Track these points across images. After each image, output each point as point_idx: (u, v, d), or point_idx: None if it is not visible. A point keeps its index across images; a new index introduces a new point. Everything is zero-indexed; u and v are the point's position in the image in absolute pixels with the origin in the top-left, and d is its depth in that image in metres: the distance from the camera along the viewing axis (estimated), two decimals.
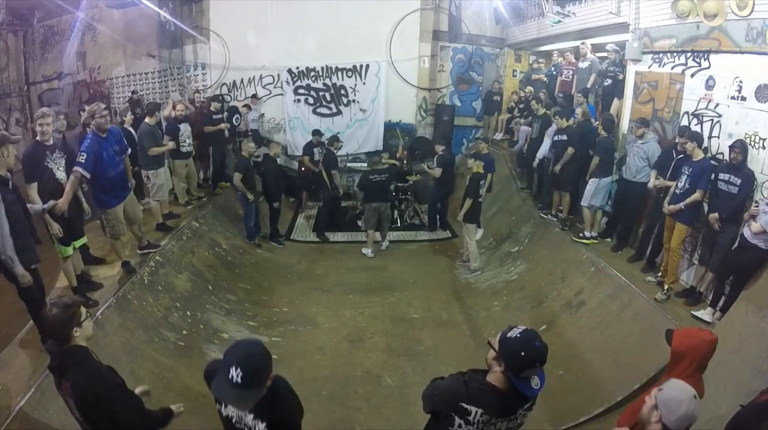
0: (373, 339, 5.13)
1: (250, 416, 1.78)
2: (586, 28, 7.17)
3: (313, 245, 7.87)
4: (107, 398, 2.05)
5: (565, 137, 6.22)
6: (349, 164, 9.86)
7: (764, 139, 4.21)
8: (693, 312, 4.29)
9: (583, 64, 7.60)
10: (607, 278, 5.16)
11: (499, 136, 10.16)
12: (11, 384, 3.16)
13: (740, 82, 4.44)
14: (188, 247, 6.03)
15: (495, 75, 10.70)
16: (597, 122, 6.25)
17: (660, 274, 4.95)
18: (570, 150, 6.09)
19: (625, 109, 6.22)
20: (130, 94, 9.41)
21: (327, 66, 10.07)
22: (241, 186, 6.83)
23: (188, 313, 5.04)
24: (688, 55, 5.07)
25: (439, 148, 7.87)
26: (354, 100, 10.28)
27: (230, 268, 6.40)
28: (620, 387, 3.74)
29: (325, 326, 5.38)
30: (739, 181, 4.16)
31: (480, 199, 6.56)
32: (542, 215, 6.98)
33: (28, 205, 3.59)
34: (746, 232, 3.88)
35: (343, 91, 10.25)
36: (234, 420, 1.84)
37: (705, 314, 4.23)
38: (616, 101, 6.57)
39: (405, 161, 9.27)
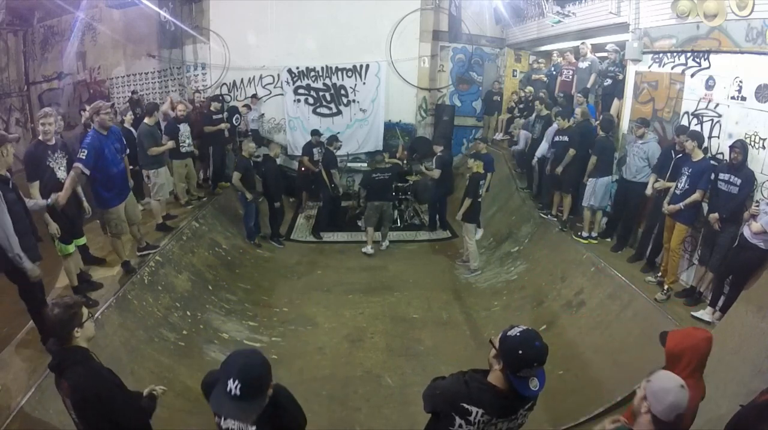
0: (373, 339, 5.13)
1: (252, 428, 1.71)
2: (586, 28, 7.17)
3: (313, 245, 7.87)
4: (107, 398, 2.05)
5: (566, 138, 6.21)
6: (349, 164, 9.86)
7: (764, 139, 4.21)
8: (693, 313, 4.28)
9: (583, 64, 7.59)
10: (607, 278, 5.16)
11: (499, 136, 10.16)
12: (11, 384, 3.16)
13: (740, 82, 4.44)
14: (188, 247, 6.04)
15: (495, 75, 10.70)
16: (597, 122, 6.26)
17: (660, 274, 4.95)
18: (571, 152, 6.09)
19: (625, 109, 6.22)
20: (130, 94, 9.40)
21: (327, 66, 10.07)
22: (240, 186, 6.83)
23: (188, 313, 5.04)
24: (688, 55, 5.07)
25: (438, 149, 7.87)
26: (354, 100, 10.27)
27: (230, 268, 6.40)
28: (620, 387, 3.74)
29: (325, 326, 5.38)
30: (739, 181, 4.15)
31: (479, 199, 6.57)
32: (542, 215, 6.98)
33: (33, 201, 3.60)
34: (746, 232, 3.88)
35: (343, 91, 10.24)
36: None
37: (704, 313, 4.23)
38: (616, 101, 6.57)
39: (405, 161, 9.27)
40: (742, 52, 4.42)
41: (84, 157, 4.12)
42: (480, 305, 5.91)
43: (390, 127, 10.40)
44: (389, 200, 7.58)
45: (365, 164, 9.64)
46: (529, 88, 9.20)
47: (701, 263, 4.67)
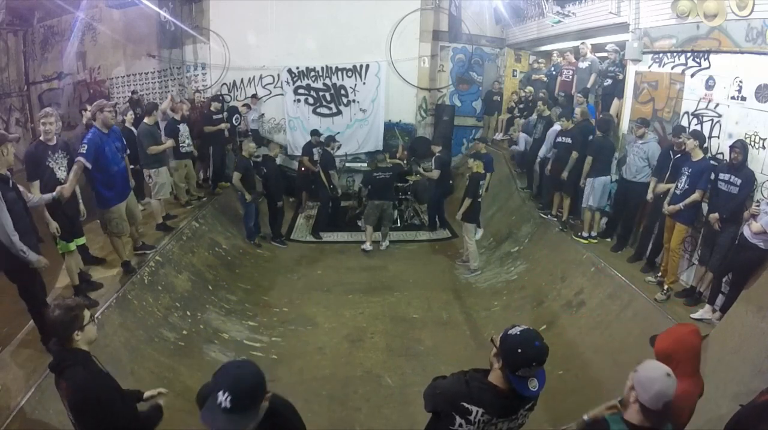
0: (373, 339, 5.13)
1: None
2: (586, 28, 7.17)
3: (313, 245, 7.87)
4: (106, 401, 2.05)
5: (569, 140, 6.19)
6: (348, 164, 9.86)
7: (764, 139, 4.21)
8: (692, 315, 4.28)
9: (583, 64, 7.60)
10: (607, 278, 5.16)
11: (499, 136, 10.15)
12: (11, 384, 3.16)
13: (740, 82, 4.44)
14: (188, 247, 6.04)
15: (495, 75, 10.70)
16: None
17: (660, 274, 4.95)
18: (574, 155, 6.09)
19: (625, 109, 6.22)
20: (130, 94, 9.40)
21: (327, 66, 10.06)
22: (239, 186, 6.83)
23: (188, 313, 5.04)
24: (688, 55, 5.07)
25: (436, 149, 7.87)
26: (354, 100, 10.27)
27: (230, 268, 6.40)
28: (620, 387, 3.71)
29: (325, 326, 5.37)
30: (739, 182, 4.15)
31: (479, 199, 6.57)
32: (542, 215, 6.99)
33: (38, 197, 3.61)
34: (746, 232, 3.88)
35: (343, 91, 10.24)
36: None
37: (704, 313, 4.23)
38: (616, 101, 6.58)
39: (405, 161, 9.27)
40: (742, 52, 4.42)
41: (84, 152, 4.15)
42: (480, 305, 5.91)
43: (390, 128, 10.40)
44: (390, 200, 7.58)
45: (365, 164, 9.64)
46: (529, 88, 9.20)
47: (701, 263, 4.67)
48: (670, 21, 5.25)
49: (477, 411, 1.77)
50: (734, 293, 3.96)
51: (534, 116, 7.88)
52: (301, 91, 10.22)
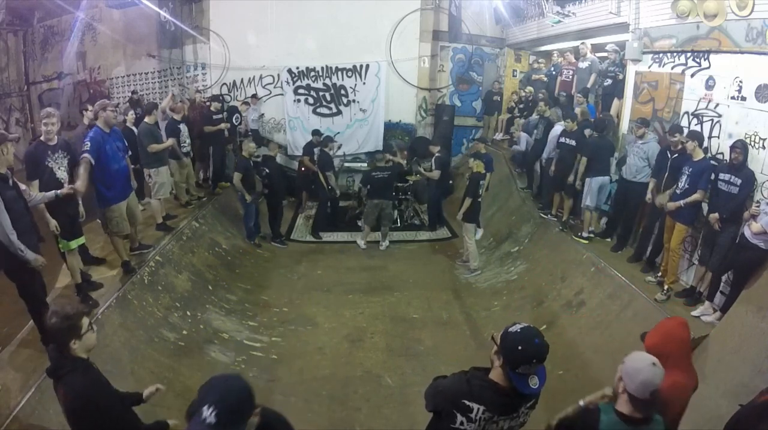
0: (373, 339, 5.13)
1: None
2: (586, 28, 7.18)
3: (313, 244, 7.87)
4: (104, 408, 2.03)
5: (573, 142, 6.17)
6: (348, 164, 9.86)
7: (764, 139, 4.21)
8: (692, 313, 4.29)
9: (583, 64, 7.60)
10: (607, 278, 5.16)
11: (499, 136, 10.16)
12: (11, 384, 3.16)
13: (740, 82, 4.44)
14: (188, 247, 6.04)
15: (495, 75, 10.70)
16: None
17: (660, 274, 4.95)
18: (578, 157, 6.08)
19: (625, 109, 6.22)
20: (130, 94, 9.41)
21: (327, 66, 10.07)
22: (240, 187, 6.83)
23: (188, 313, 5.04)
24: (688, 55, 5.07)
25: (435, 149, 7.88)
26: (354, 100, 10.27)
27: (230, 268, 6.40)
28: None
29: (325, 326, 5.37)
30: (739, 182, 4.15)
31: (479, 199, 6.57)
32: (542, 215, 6.99)
33: (41, 195, 3.61)
34: (747, 232, 3.88)
35: (343, 91, 10.24)
36: None
37: (703, 309, 4.24)
38: (616, 101, 6.58)
39: (405, 161, 9.26)
40: (742, 52, 4.42)
41: (88, 149, 4.27)
42: (480, 305, 5.91)
43: (390, 128, 10.40)
44: (388, 199, 7.60)
45: (365, 164, 9.64)
46: (529, 88, 9.21)
47: (701, 263, 4.67)
48: (670, 21, 5.25)
49: (478, 409, 1.77)
50: (734, 293, 3.96)
51: (534, 116, 7.88)
52: (301, 91, 10.22)
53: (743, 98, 4.41)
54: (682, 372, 2.22)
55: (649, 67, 5.71)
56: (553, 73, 8.78)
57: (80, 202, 4.31)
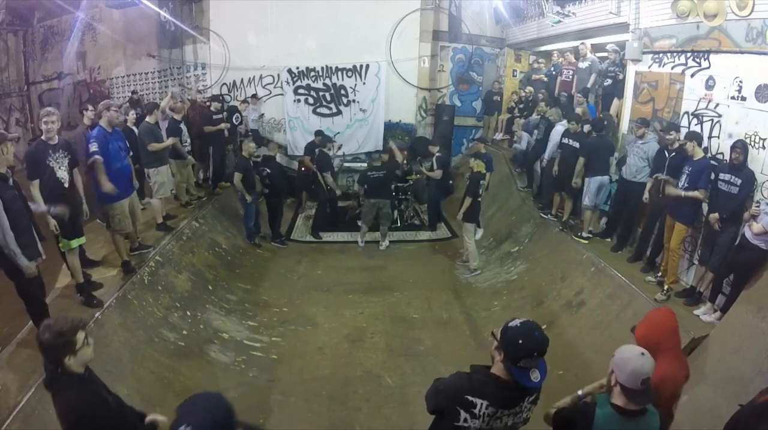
0: (373, 339, 5.13)
1: None
2: (586, 28, 7.18)
3: (313, 244, 7.87)
4: (99, 427, 1.96)
5: (576, 144, 6.14)
6: (347, 164, 9.86)
7: (764, 139, 4.21)
8: (695, 311, 4.30)
9: (583, 64, 7.59)
10: (607, 278, 5.16)
11: (499, 136, 10.16)
12: (11, 384, 3.16)
13: (740, 82, 4.44)
14: (188, 247, 6.04)
15: (495, 75, 10.71)
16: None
17: (660, 274, 4.95)
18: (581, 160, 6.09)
19: (625, 109, 6.22)
20: (130, 94, 9.41)
21: (327, 66, 10.07)
22: (240, 187, 6.83)
23: (188, 313, 5.04)
24: (688, 55, 5.07)
25: (434, 149, 7.88)
26: (354, 100, 10.28)
27: (230, 268, 6.40)
28: None
29: (325, 326, 5.37)
30: (739, 182, 4.15)
31: (479, 199, 6.57)
32: (542, 215, 6.99)
33: (35, 205, 3.60)
34: (747, 233, 3.88)
35: (343, 91, 10.25)
36: None
37: (706, 309, 4.24)
38: (616, 101, 6.58)
39: (405, 161, 9.26)
40: (742, 52, 4.42)
41: (96, 149, 4.37)
42: (480, 305, 5.91)
43: (390, 128, 10.41)
44: (385, 198, 7.60)
45: (365, 164, 9.65)
46: (529, 88, 9.21)
47: (701, 263, 4.68)
48: (670, 21, 5.25)
49: (481, 403, 1.77)
50: (735, 294, 3.96)
51: (535, 116, 7.87)
52: (301, 91, 10.22)
53: (743, 98, 4.41)
54: (672, 360, 2.28)
55: (649, 67, 5.71)
56: (553, 73, 8.78)
57: (84, 201, 4.32)
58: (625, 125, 6.22)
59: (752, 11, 4.23)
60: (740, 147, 4.15)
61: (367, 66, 10.06)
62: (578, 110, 6.50)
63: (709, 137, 4.82)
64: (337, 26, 9.64)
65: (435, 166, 7.73)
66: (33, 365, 3.32)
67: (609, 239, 6.06)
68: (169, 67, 10.18)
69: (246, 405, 3.95)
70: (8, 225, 3.06)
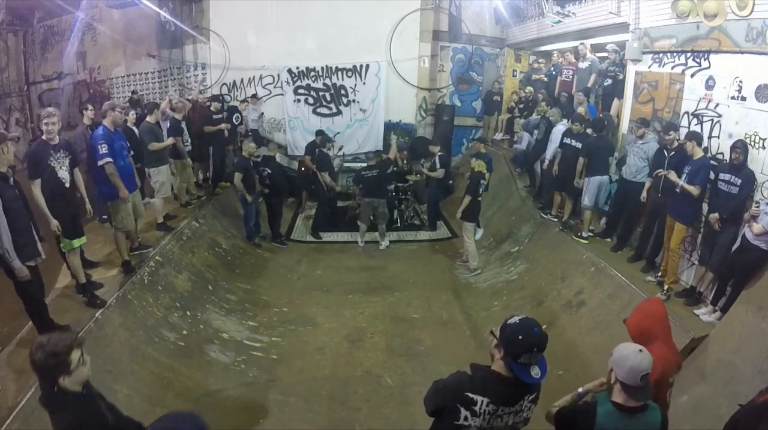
0: (373, 339, 5.13)
1: None
2: (586, 28, 7.18)
3: (313, 244, 7.87)
4: None
5: (579, 144, 6.13)
6: (347, 164, 9.86)
7: (764, 139, 4.21)
8: (696, 311, 4.30)
9: (583, 64, 7.59)
10: (607, 278, 5.16)
11: (499, 136, 10.16)
12: (11, 384, 3.16)
13: (740, 82, 4.43)
14: (188, 247, 6.04)
15: (495, 75, 10.70)
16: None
17: (660, 274, 4.95)
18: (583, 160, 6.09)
19: (625, 109, 6.22)
20: (130, 94, 9.41)
21: (327, 66, 10.08)
22: (240, 187, 6.83)
23: (188, 313, 5.04)
24: (688, 55, 5.07)
25: (435, 149, 7.89)
26: (354, 100, 10.28)
27: (230, 268, 6.40)
28: None
29: (325, 326, 5.37)
30: (739, 182, 4.15)
31: (479, 198, 6.57)
32: (542, 215, 6.99)
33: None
34: (748, 233, 3.88)
35: (343, 91, 10.25)
36: None
37: (707, 310, 4.24)
38: (616, 101, 6.58)
39: (405, 161, 9.27)
40: (742, 52, 4.42)
41: (106, 151, 4.43)
42: (480, 305, 5.91)
43: (390, 127, 10.41)
44: (380, 197, 7.59)
45: (366, 164, 9.65)
46: (529, 88, 9.21)
47: (701, 263, 4.67)
48: (670, 21, 5.25)
49: (482, 401, 1.77)
50: (735, 294, 3.96)
51: (535, 116, 7.87)
52: (301, 91, 10.23)
53: (743, 98, 4.41)
54: (663, 345, 2.31)
55: (649, 67, 5.71)
56: (553, 73, 8.77)
57: (87, 200, 4.33)
58: (625, 125, 6.22)
59: (752, 11, 4.23)
60: (740, 147, 4.15)
61: (367, 66, 10.06)
62: (580, 110, 6.49)
63: (709, 137, 4.81)
64: (337, 26, 9.65)
65: (437, 166, 7.74)
66: None
67: (609, 239, 6.06)
68: (169, 67, 10.19)
69: (246, 405, 3.95)
70: (6, 224, 3.06)
